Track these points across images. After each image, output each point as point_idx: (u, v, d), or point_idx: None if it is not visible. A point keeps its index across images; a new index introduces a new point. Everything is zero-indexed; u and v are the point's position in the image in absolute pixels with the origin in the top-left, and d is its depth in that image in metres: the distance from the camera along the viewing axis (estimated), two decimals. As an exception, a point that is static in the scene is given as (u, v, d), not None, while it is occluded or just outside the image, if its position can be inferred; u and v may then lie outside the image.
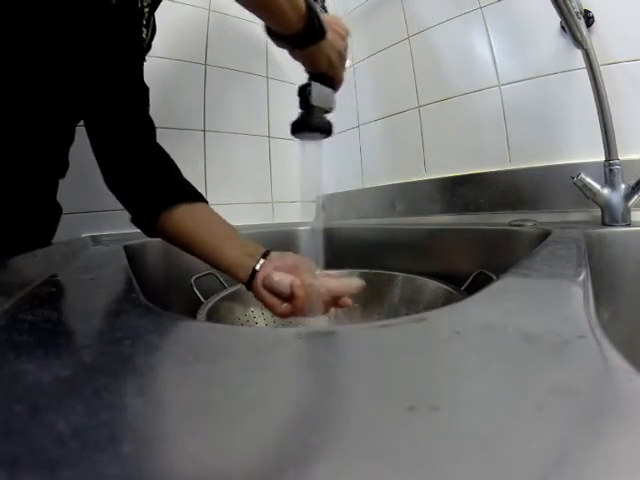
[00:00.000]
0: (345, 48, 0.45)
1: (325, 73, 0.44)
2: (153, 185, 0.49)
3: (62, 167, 0.51)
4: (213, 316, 0.50)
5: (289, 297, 0.42)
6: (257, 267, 0.44)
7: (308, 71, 0.44)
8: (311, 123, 0.43)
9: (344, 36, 0.44)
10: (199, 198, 0.50)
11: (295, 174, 1.11)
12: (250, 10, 0.37)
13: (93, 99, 0.48)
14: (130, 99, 0.52)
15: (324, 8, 0.44)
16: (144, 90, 0.55)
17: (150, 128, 0.54)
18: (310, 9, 0.38)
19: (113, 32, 0.43)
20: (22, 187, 0.44)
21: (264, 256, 0.45)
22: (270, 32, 0.40)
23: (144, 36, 0.49)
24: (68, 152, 0.51)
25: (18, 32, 0.37)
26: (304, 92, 0.43)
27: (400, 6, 0.92)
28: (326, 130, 0.43)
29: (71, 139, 0.50)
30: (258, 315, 0.59)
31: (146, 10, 0.48)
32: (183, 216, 0.48)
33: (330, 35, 0.41)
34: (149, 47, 0.54)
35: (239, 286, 0.57)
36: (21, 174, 0.43)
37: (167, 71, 0.87)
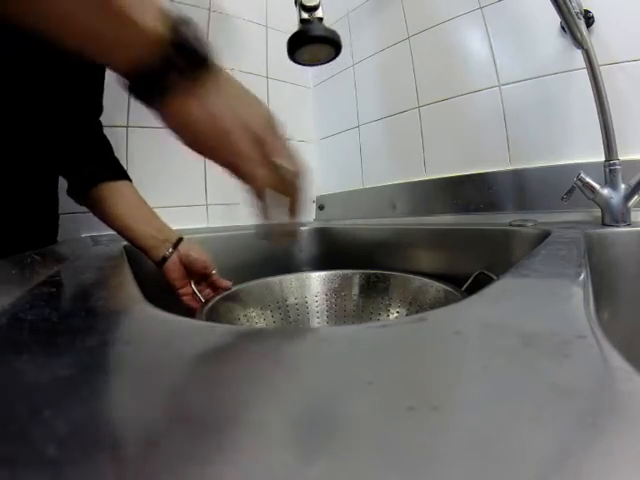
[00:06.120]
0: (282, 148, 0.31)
1: (227, 161, 0.28)
2: (88, 161, 0.53)
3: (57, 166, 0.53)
4: (213, 316, 0.50)
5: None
6: (167, 254, 0.53)
7: None
8: (315, 32, 0.31)
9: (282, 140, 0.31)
10: (126, 177, 0.55)
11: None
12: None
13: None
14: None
15: (320, 18, 0.32)
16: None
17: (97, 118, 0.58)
18: (178, 25, 0.23)
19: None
20: (20, 187, 0.44)
21: (177, 243, 0.54)
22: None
23: None
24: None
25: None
26: None
27: (400, 6, 0.92)
28: (334, 42, 0.31)
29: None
30: (258, 315, 0.59)
31: None
32: (109, 192, 0.52)
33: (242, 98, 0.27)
34: None
35: (238, 286, 0.58)
36: (18, 175, 0.44)
37: (167, 71, 0.87)
